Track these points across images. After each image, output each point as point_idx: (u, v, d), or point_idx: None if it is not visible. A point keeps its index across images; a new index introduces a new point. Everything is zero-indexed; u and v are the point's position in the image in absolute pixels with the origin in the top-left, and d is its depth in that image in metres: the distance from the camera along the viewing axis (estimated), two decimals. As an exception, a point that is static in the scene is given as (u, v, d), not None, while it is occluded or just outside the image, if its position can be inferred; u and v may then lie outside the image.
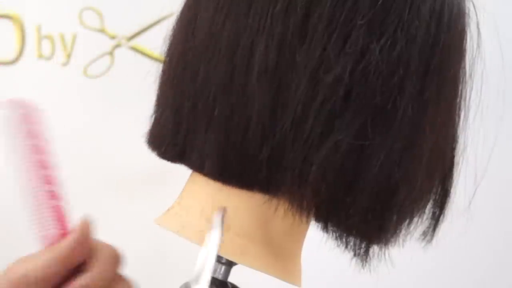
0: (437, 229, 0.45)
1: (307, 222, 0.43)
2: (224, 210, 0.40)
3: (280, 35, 0.38)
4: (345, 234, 0.42)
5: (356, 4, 0.37)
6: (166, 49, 0.46)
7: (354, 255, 0.43)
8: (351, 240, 0.43)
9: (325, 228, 0.42)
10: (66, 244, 0.37)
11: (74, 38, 1.24)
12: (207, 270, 0.38)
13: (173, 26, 0.45)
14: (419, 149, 0.40)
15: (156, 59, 1.20)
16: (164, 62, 0.45)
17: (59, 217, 0.38)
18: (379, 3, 0.37)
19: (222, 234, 0.39)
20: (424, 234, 0.45)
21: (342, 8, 0.37)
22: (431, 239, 0.46)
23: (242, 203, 0.41)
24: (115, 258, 0.38)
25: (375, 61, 0.37)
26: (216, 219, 0.40)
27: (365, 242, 0.42)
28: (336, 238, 0.43)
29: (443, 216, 0.45)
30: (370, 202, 0.39)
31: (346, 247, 0.43)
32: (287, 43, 0.38)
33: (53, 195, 0.38)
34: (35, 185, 0.37)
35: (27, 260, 0.37)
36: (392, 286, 1.01)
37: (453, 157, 0.45)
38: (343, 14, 0.37)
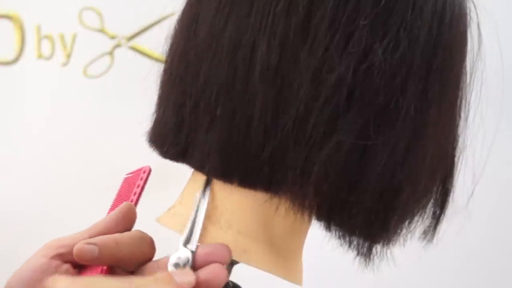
0: (437, 228, 0.46)
1: (309, 221, 0.43)
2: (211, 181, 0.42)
3: (282, 34, 0.38)
4: (348, 234, 0.43)
5: (358, 5, 0.37)
6: (168, 49, 0.46)
7: (357, 254, 0.43)
8: (354, 239, 0.43)
9: (328, 227, 0.42)
10: (102, 220, 0.41)
11: (74, 38, 1.24)
12: (196, 231, 0.40)
13: (175, 26, 0.45)
14: (422, 149, 0.40)
15: (156, 59, 1.20)
16: (166, 62, 0.45)
17: None
18: (382, 3, 0.37)
19: (210, 199, 0.41)
20: (425, 233, 0.45)
21: (344, 8, 0.37)
22: (432, 238, 0.46)
23: (243, 202, 0.42)
24: (145, 239, 0.41)
25: (378, 62, 0.37)
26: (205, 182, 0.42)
27: (368, 242, 0.42)
28: (339, 238, 0.43)
29: (444, 215, 0.45)
30: (373, 202, 0.39)
31: (349, 246, 0.43)
32: (289, 43, 0.38)
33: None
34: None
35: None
36: (392, 285, 1.01)
37: (454, 156, 0.45)
38: (345, 14, 0.37)
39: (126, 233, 0.40)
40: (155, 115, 0.46)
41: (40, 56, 1.24)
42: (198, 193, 0.42)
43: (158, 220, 0.45)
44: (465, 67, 0.44)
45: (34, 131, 1.25)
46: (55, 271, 0.39)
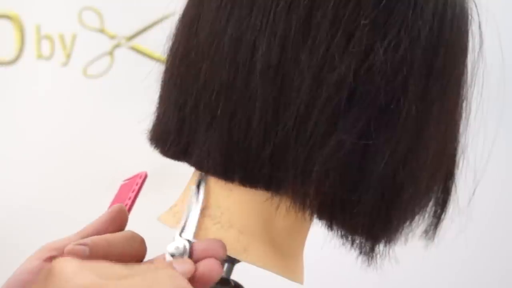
0: (438, 227, 0.46)
1: (310, 220, 0.43)
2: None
3: (283, 34, 0.38)
4: (350, 233, 0.43)
5: (359, 4, 0.37)
6: (169, 48, 0.46)
7: (360, 253, 0.43)
8: (356, 238, 0.43)
9: (330, 226, 0.42)
10: (93, 222, 0.42)
11: (73, 38, 1.24)
12: (191, 221, 0.41)
13: (176, 25, 0.45)
14: (424, 149, 0.40)
15: (156, 59, 1.20)
16: (167, 61, 0.46)
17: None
18: (383, 3, 0.37)
19: (206, 194, 0.42)
20: (426, 232, 0.46)
21: (345, 8, 0.37)
22: (433, 237, 0.46)
23: (244, 200, 0.42)
24: (136, 239, 0.41)
25: (379, 61, 0.37)
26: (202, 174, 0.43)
27: (370, 241, 0.42)
28: (341, 237, 0.43)
29: (445, 214, 0.45)
30: (375, 201, 0.39)
31: (351, 245, 0.43)
32: (289, 42, 0.38)
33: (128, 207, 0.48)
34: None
35: None
36: (394, 285, 1.01)
37: (455, 155, 0.45)
38: (346, 14, 0.37)
39: (117, 233, 0.41)
40: (156, 115, 0.46)
41: (39, 56, 1.24)
42: (194, 186, 0.43)
43: (160, 219, 0.45)
44: (466, 67, 0.44)
45: (34, 131, 1.25)
46: None
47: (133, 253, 0.40)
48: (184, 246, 0.38)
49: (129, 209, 0.48)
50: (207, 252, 0.38)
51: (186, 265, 0.37)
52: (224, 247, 0.39)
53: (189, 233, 0.40)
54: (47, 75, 1.24)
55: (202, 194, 0.42)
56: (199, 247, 0.39)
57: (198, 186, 0.43)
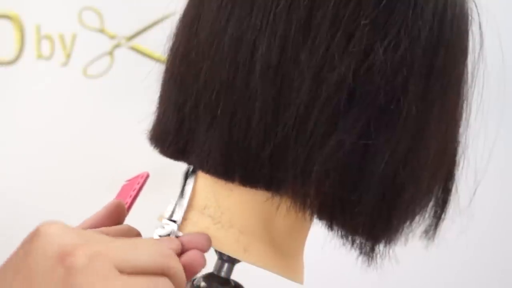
0: (438, 228, 0.46)
1: (310, 220, 0.43)
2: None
3: (283, 34, 0.38)
4: (350, 233, 0.43)
5: (359, 4, 0.37)
6: (169, 48, 0.46)
7: (360, 253, 0.43)
8: (357, 238, 0.43)
9: (330, 226, 0.42)
10: (91, 217, 0.45)
11: (73, 38, 1.24)
12: (179, 214, 0.42)
13: (177, 25, 0.45)
14: (424, 149, 0.40)
15: (156, 59, 1.20)
16: (167, 61, 0.46)
17: None
18: (383, 3, 0.37)
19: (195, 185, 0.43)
20: (426, 232, 0.45)
21: (345, 8, 0.37)
22: (433, 237, 0.46)
23: (244, 200, 0.42)
24: (132, 232, 0.44)
25: (379, 61, 0.37)
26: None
27: (370, 241, 0.42)
28: (342, 237, 0.43)
29: (445, 215, 0.45)
30: (375, 201, 0.39)
31: (352, 245, 0.43)
32: (289, 42, 0.38)
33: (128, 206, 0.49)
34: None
35: None
36: (395, 285, 1.01)
37: (455, 156, 0.45)
38: (346, 14, 0.37)
39: (114, 227, 0.43)
40: (156, 114, 0.46)
41: (39, 56, 1.24)
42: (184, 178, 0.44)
43: (160, 219, 0.45)
44: (467, 67, 0.44)
45: (34, 131, 1.25)
46: None
47: None
48: (172, 229, 0.40)
49: (129, 207, 0.49)
50: (192, 244, 0.40)
51: (173, 241, 0.39)
52: (209, 239, 0.41)
53: (177, 215, 0.42)
54: (47, 75, 1.24)
55: (190, 186, 0.43)
56: (184, 239, 0.40)
57: (185, 179, 0.44)
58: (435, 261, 1.18)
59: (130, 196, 0.49)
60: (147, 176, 0.51)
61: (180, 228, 0.42)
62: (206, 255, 0.47)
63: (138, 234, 0.42)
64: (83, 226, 0.43)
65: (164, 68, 0.46)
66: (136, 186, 0.50)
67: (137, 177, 0.52)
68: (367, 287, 0.98)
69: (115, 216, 0.45)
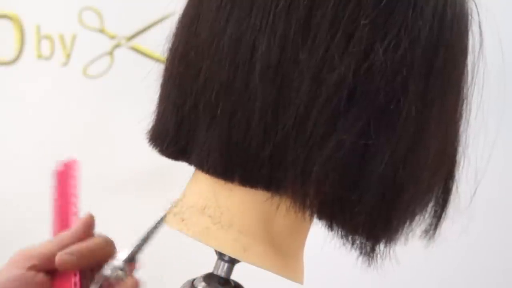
0: (438, 227, 0.45)
1: (310, 220, 0.43)
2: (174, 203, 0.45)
3: (282, 34, 0.38)
4: (350, 233, 0.43)
5: (359, 4, 0.37)
6: (168, 47, 0.46)
7: (360, 253, 0.43)
8: (357, 238, 0.43)
9: (330, 226, 0.42)
10: (68, 231, 0.48)
11: (73, 38, 1.24)
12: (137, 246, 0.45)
13: (176, 25, 0.45)
14: (424, 149, 0.40)
15: (156, 59, 1.20)
16: (167, 61, 0.46)
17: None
18: (383, 3, 0.37)
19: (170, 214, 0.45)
20: (426, 232, 0.45)
21: (345, 8, 0.37)
22: (433, 237, 0.46)
23: (244, 200, 0.42)
24: (108, 242, 0.49)
25: (379, 61, 0.37)
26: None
27: (371, 241, 0.42)
28: (342, 237, 0.43)
29: (445, 214, 0.45)
30: (375, 201, 0.39)
31: (352, 245, 0.43)
32: (289, 42, 0.38)
33: (75, 214, 0.52)
34: (64, 219, 0.51)
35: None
36: (393, 284, 1.01)
37: (455, 156, 0.45)
38: (346, 14, 0.37)
39: (95, 239, 0.48)
40: (155, 114, 0.46)
41: (39, 56, 1.24)
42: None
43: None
44: (467, 67, 0.43)
45: (33, 131, 1.25)
46: (32, 280, 0.45)
47: (108, 255, 0.47)
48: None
49: (76, 202, 0.51)
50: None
51: None
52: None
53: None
54: (47, 75, 1.24)
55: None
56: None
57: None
58: (435, 261, 1.18)
59: (74, 195, 0.51)
60: (76, 164, 0.52)
61: (181, 228, 0.42)
62: (206, 255, 0.47)
63: (112, 244, 0.46)
64: (62, 239, 0.47)
65: (163, 68, 0.46)
66: (73, 182, 0.52)
67: (67, 167, 0.53)
68: (367, 287, 0.98)
69: (89, 228, 0.49)
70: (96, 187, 1.18)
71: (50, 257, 0.46)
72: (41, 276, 0.45)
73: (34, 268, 0.45)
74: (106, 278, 0.44)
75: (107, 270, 0.44)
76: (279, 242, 0.43)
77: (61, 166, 0.53)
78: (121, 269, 0.44)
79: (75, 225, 0.48)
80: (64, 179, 0.51)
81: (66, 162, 0.53)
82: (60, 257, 0.45)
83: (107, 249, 0.48)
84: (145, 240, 0.46)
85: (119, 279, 0.44)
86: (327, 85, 0.37)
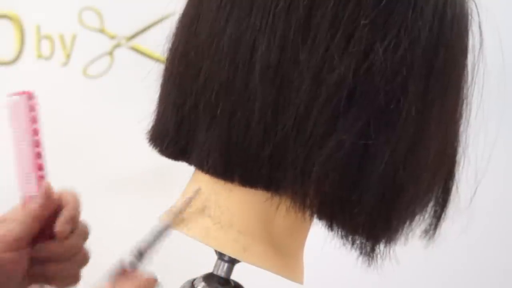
0: (438, 227, 0.45)
1: (310, 220, 0.43)
2: (196, 192, 0.44)
3: (282, 34, 0.38)
4: (350, 233, 0.43)
5: (359, 4, 0.37)
6: (168, 48, 0.46)
7: (360, 253, 0.43)
8: (357, 239, 0.43)
9: (330, 226, 0.42)
10: (35, 203, 0.52)
11: (73, 38, 1.24)
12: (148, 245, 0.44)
13: (176, 25, 0.45)
14: (424, 149, 0.40)
15: (156, 59, 1.20)
16: (167, 60, 0.46)
17: (39, 181, 0.52)
18: (383, 3, 0.37)
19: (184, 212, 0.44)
20: (426, 232, 0.45)
21: (345, 8, 0.37)
22: (433, 237, 0.46)
23: (244, 200, 0.42)
24: (77, 201, 0.54)
25: (379, 61, 0.37)
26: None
27: (371, 241, 0.42)
28: (342, 237, 0.43)
29: (445, 214, 0.45)
30: (375, 202, 0.39)
31: (352, 245, 0.43)
32: (289, 42, 0.38)
33: (40, 166, 0.51)
34: (29, 158, 0.50)
35: (4, 220, 0.53)
36: (392, 284, 1.01)
37: (455, 156, 0.45)
38: (346, 14, 0.37)
39: (69, 204, 0.53)
40: (155, 114, 0.46)
41: (39, 56, 1.24)
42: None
43: (160, 220, 0.45)
44: (467, 67, 0.43)
45: (34, 131, 1.25)
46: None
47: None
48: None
49: (40, 148, 0.48)
50: None
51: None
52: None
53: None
54: (47, 75, 1.24)
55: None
56: None
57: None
58: (435, 261, 1.18)
59: (36, 132, 0.47)
60: (33, 96, 0.48)
61: (181, 227, 0.42)
62: (206, 255, 0.47)
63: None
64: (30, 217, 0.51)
65: (163, 68, 0.46)
66: (33, 114, 0.47)
67: (23, 98, 0.47)
68: (367, 287, 0.98)
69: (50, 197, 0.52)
70: (96, 187, 1.18)
71: (26, 233, 0.50)
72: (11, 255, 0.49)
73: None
74: (122, 266, 0.43)
75: (123, 259, 0.44)
76: (279, 242, 0.43)
77: (16, 97, 0.48)
78: (137, 257, 0.43)
79: (39, 194, 0.52)
80: (22, 112, 0.47)
81: (22, 92, 0.49)
82: (60, 229, 0.51)
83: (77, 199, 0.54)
84: (153, 240, 0.45)
85: (134, 267, 0.43)
86: (327, 85, 0.37)
